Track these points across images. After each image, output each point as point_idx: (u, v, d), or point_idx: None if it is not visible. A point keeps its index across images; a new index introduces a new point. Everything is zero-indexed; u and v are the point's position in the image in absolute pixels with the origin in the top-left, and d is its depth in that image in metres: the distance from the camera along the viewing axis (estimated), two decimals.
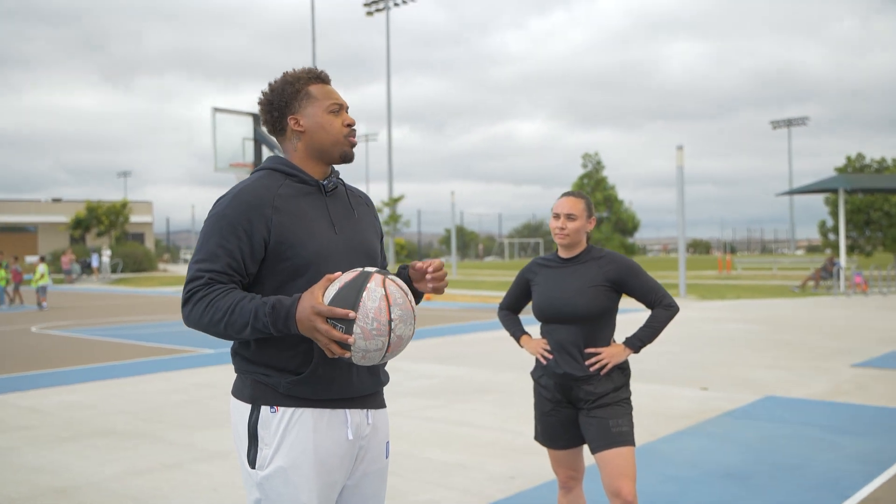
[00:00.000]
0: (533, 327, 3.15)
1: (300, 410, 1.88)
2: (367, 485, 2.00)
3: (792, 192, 28.64)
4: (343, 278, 1.78)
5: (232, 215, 1.86)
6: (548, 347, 2.93)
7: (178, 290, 24.09)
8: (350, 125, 2.00)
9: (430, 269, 1.96)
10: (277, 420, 1.87)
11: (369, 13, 48.31)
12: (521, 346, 3.11)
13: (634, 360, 8.45)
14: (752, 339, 10.91)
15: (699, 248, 79.88)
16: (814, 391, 6.99)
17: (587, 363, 2.86)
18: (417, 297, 2.01)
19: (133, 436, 5.62)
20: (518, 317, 3.21)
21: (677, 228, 20.83)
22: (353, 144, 2.00)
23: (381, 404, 2.05)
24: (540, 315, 2.98)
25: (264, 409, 1.88)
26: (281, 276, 1.88)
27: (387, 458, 2.06)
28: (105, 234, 44.31)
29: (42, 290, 19.04)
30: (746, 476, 4.46)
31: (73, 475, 4.64)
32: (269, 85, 2.01)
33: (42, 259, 22.08)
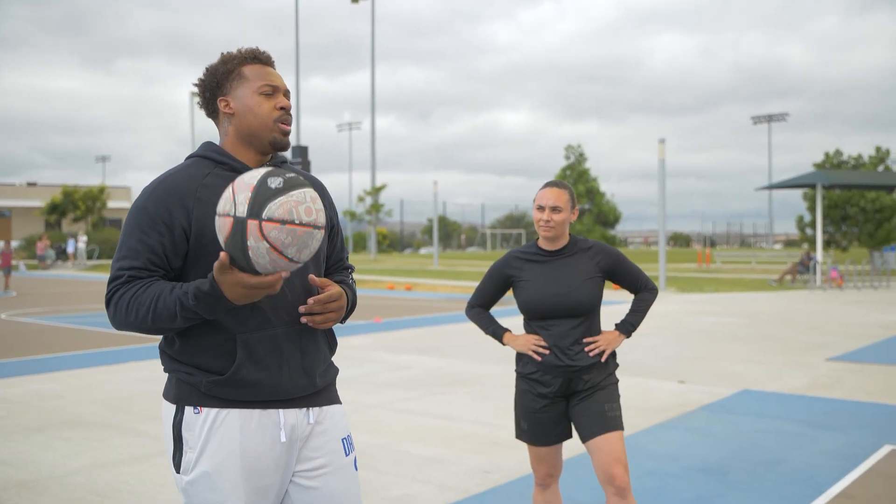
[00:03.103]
0: (506, 321, 3.07)
1: (225, 411, 1.76)
2: (330, 483, 1.87)
3: (771, 187, 28.93)
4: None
5: (152, 208, 1.75)
6: (542, 343, 2.83)
7: None
8: (283, 108, 1.85)
9: (310, 301, 1.77)
10: (201, 421, 1.76)
11: (355, 0, 47.87)
12: (505, 344, 2.96)
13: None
14: (729, 332, 10.95)
15: (680, 241, 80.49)
16: (790, 385, 7.00)
17: (587, 350, 2.83)
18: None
19: (101, 427, 5.50)
20: (491, 313, 3.10)
21: (658, 221, 20.88)
22: (286, 132, 1.86)
23: (328, 401, 1.91)
24: (534, 312, 2.85)
25: (188, 410, 1.77)
26: (204, 271, 1.74)
27: (347, 455, 1.92)
28: (81, 219, 43.71)
29: None
30: (724, 471, 4.44)
31: (37, 467, 4.52)
32: (207, 66, 1.90)
33: None
